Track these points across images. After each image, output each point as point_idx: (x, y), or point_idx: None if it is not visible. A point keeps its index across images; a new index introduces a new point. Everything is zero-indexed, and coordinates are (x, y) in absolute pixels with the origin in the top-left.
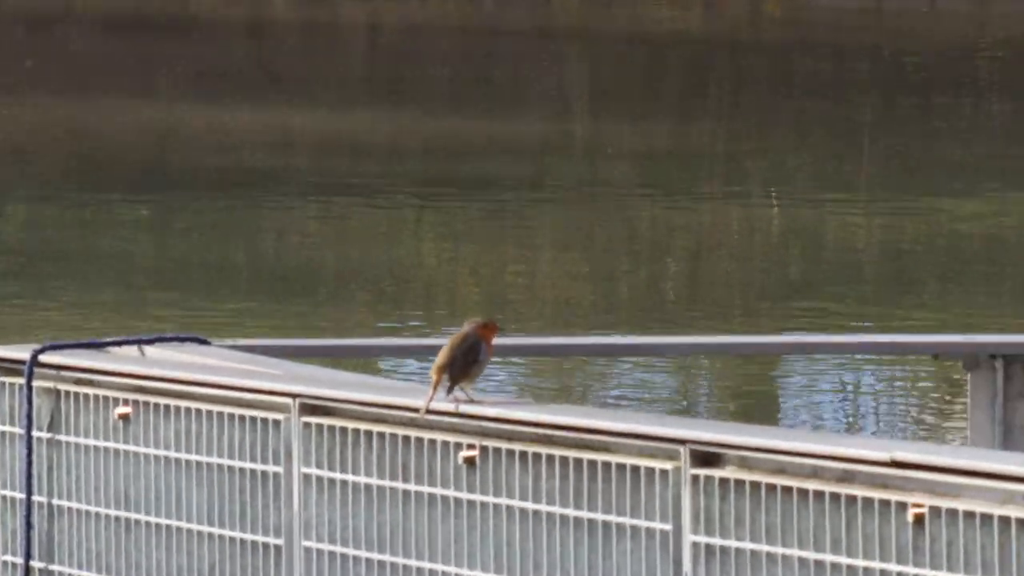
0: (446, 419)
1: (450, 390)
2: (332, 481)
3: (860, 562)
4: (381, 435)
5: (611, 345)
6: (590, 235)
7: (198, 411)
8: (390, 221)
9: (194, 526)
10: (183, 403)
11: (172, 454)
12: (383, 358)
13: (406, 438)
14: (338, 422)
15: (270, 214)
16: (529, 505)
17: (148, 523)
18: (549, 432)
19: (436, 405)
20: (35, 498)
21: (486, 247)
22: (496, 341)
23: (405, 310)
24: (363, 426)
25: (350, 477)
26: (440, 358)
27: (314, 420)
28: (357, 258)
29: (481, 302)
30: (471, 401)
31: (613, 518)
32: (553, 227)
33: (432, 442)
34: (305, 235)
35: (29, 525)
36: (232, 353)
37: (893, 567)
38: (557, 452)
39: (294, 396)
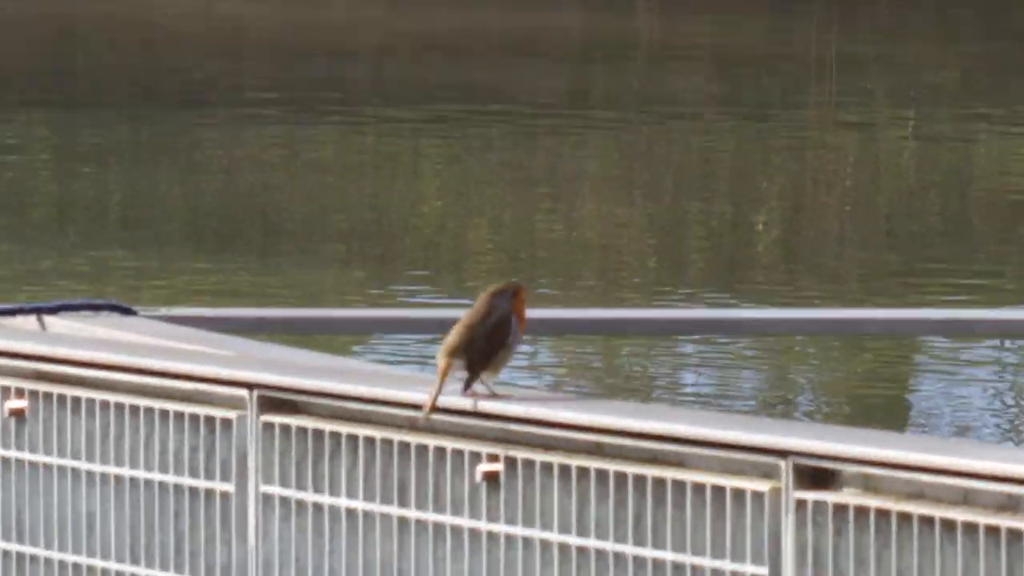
0: (459, 420)
1: (468, 383)
2: (301, 504)
3: None
4: (369, 441)
5: (681, 320)
6: (651, 171)
7: (118, 406)
8: (379, 149)
9: (111, 565)
10: (97, 395)
11: (82, 465)
12: (372, 336)
13: (404, 446)
14: (310, 423)
15: (213, 136)
16: (571, 540)
17: (48, 560)
18: (599, 439)
19: (446, 401)
20: None
21: (511, 186)
22: (529, 315)
23: (402, 271)
24: (344, 428)
25: (326, 499)
26: (453, 338)
27: (277, 419)
28: (334, 199)
29: (504, 261)
30: (493, 396)
31: (687, 558)
32: (602, 160)
33: (440, 452)
34: (262, 167)
35: None
36: (165, 327)
37: None
38: (610, 466)
39: (250, 386)
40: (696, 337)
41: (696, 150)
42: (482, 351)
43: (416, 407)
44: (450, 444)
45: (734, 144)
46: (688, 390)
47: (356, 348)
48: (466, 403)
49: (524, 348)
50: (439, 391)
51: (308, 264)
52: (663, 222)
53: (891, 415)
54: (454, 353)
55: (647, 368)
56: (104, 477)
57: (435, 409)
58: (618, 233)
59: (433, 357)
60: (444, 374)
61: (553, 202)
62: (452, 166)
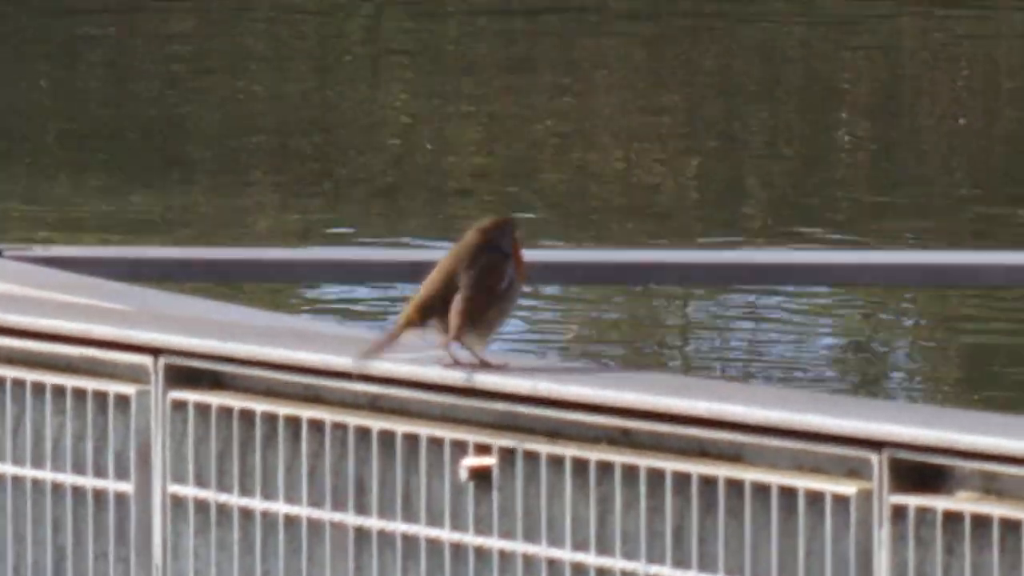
0: (438, 399)
1: (446, 343)
2: (224, 510)
3: None
4: (316, 426)
5: (734, 266)
6: (689, 69)
7: None
8: (327, 31)
9: None
10: None
11: None
12: (319, 286)
13: (362, 433)
14: (236, 401)
15: (103, 24)
16: (589, 559)
17: None
18: (626, 423)
19: (416, 371)
20: None
21: (508, 95)
22: (531, 257)
23: (361, 198)
24: (282, 409)
25: (257, 503)
26: (427, 287)
27: (192, 396)
28: (271, 97)
29: (500, 192)
30: (484, 366)
31: None
32: (625, 59)
33: (411, 441)
34: (170, 59)
35: None
36: (39, 272)
37: None
38: (641, 461)
39: (155, 352)
40: (754, 288)
41: (742, 47)
42: (474, 302)
43: (380, 379)
44: (425, 430)
45: (799, 40)
46: (734, 356)
47: (296, 301)
48: (449, 375)
49: (523, 302)
50: (385, 344)
51: (231, 188)
52: (714, 129)
53: (1019, 396)
54: (426, 308)
55: (690, 331)
56: None
57: (375, 355)
58: (648, 154)
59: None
60: (404, 326)
61: (559, 115)
62: (425, 63)
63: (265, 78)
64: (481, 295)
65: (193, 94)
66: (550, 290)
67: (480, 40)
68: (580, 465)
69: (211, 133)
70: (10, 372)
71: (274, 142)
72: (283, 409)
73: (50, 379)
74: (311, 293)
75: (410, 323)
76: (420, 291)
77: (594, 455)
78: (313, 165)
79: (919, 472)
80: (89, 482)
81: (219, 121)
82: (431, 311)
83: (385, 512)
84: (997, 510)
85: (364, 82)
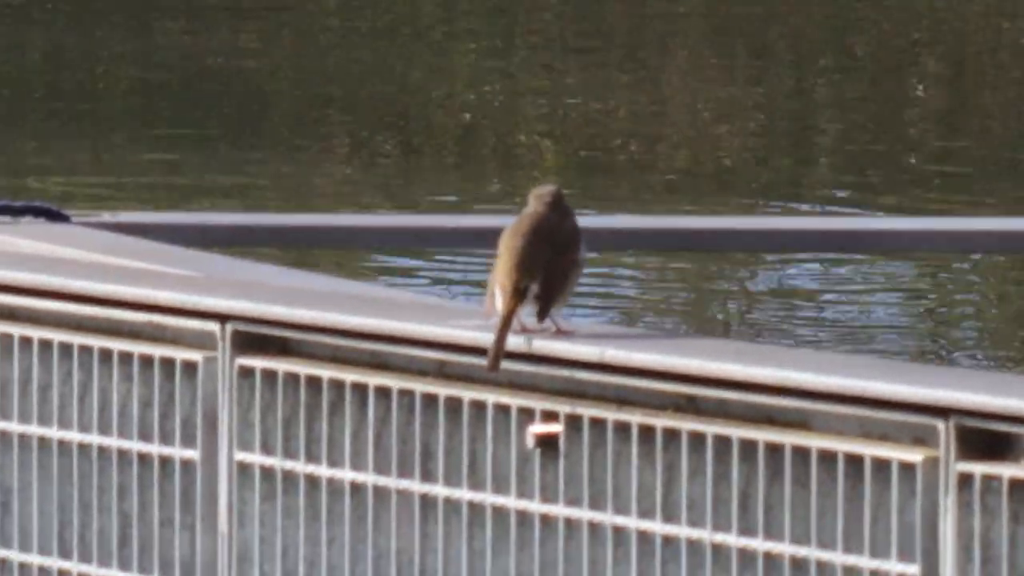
0: (505, 364)
1: (542, 314)
2: (290, 477)
3: None
4: (383, 393)
5: (794, 233)
6: (754, 34)
7: (44, 344)
8: (391, 7)
9: (33, 559)
10: (16, 329)
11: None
12: (385, 251)
13: (429, 400)
14: (303, 367)
15: None
16: (655, 526)
17: None
18: (692, 390)
19: (511, 341)
20: None
21: (568, 63)
22: (596, 225)
23: (428, 164)
24: (349, 375)
25: (323, 471)
26: (522, 252)
27: (259, 363)
28: (336, 68)
29: (560, 155)
30: (559, 333)
31: (811, 552)
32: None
33: (478, 408)
34: (235, 24)
35: None
36: (107, 237)
37: None
38: (707, 428)
39: (223, 318)
40: (820, 256)
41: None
42: (559, 272)
43: (447, 346)
44: (492, 397)
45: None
46: (808, 327)
47: (364, 267)
48: (516, 342)
49: (587, 269)
50: (507, 326)
51: (300, 156)
52: (775, 97)
53: None
54: (529, 273)
55: (756, 297)
56: (24, 440)
57: (503, 356)
58: (712, 120)
59: (474, 279)
60: (515, 303)
61: (625, 83)
62: (484, 31)
63: (337, 45)
64: (569, 266)
65: (265, 56)
66: (612, 255)
67: (549, 13)
68: (646, 432)
69: (283, 97)
70: (77, 338)
71: (345, 108)
72: (350, 376)
73: (117, 345)
74: (378, 259)
75: (513, 308)
76: (516, 253)
77: (660, 422)
78: (384, 133)
79: (986, 439)
80: (156, 449)
81: (290, 87)
82: (533, 275)
83: (451, 479)
84: None
85: (434, 52)
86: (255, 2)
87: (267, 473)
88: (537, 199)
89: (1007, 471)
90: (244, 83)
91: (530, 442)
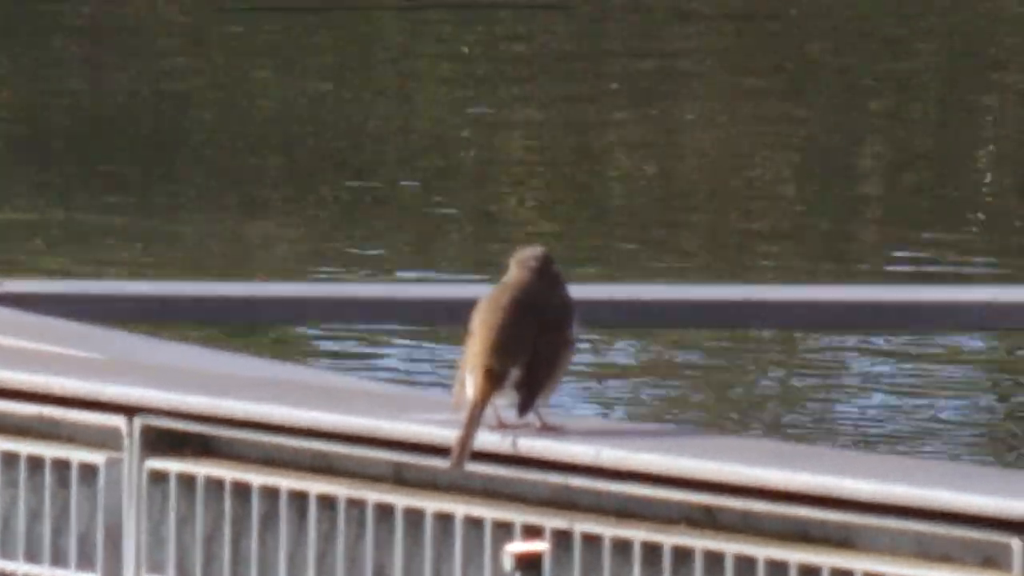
0: (478, 468)
1: (525, 407)
2: None
3: None
4: (327, 503)
5: (836, 305)
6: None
7: None
8: (345, 30)
9: None
10: None
11: None
12: (331, 326)
13: (383, 511)
14: (228, 471)
15: (79, 12)
16: None
17: None
18: (710, 499)
19: (486, 440)
20: None
21: (548, 100)
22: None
23: (380, 223)
24: (285, 481)
25: None
26: (488, 333)
27: (174, 466)
28: (274, 102)
29: (545, 214)
30: (545, 430)
31: None
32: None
33: (444, 522)
34: (157, 54)
35: None
36: None
37: None
38: (728, 547)
39: (130, 411)
40: (871, 333)
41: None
42: (547, 358)
43: (406, 445)
44: (461, 508)
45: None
46: (854, 422)
47: (306, 348)
48: (493, 441)
49: (582, 345)
50: (477, 417)
51: (228, 211)
52: (796, 140)
53: None
54: (509, 355)
55: (788, 385)
56: None
57: (470, 453)
58: (723, 163)
59: (443, 362)
60: (489, 390)
61: (614, 123)
62: (452, 62)
63: (273, 81)
64: (559, 347)
65: (184, 96)
66: (611, 332)
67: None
68: (652, 552)
69: (205, 142)
70: None
71: (283, 156)
72: (286, 481)
73: (2, 446)
74: (322, 338)
75: (487, 397)
76: (489, 335)
77: (669, 539)
78: (329, 183)
79: None
80: (46, 572)
81: (215, 128)
82: (511, 361)
83: None
84: None
85: (393, 86)
86: (178, 30)
87: None
88: (520, 264)
89: None
90: (160, 121)
91: (508, 564)
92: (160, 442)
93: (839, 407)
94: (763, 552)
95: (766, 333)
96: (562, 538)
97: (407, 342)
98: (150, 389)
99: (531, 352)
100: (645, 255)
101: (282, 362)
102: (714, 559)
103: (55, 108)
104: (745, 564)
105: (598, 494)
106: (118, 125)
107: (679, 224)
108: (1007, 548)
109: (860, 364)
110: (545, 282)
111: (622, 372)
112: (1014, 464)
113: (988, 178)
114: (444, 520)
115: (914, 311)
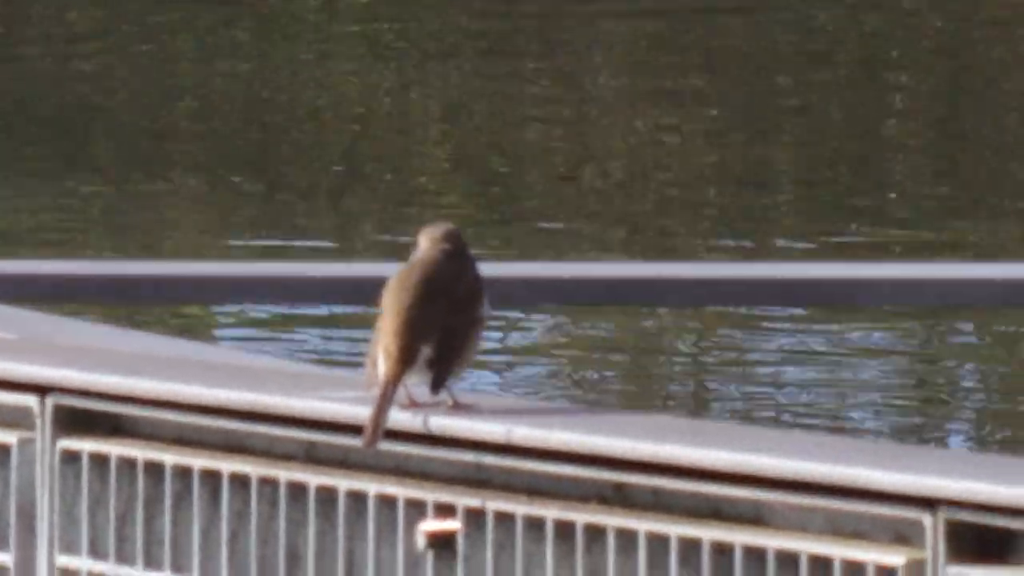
0: (394, 448)
1: (437, 384)
2: None
3: None
4: (240, 482)
5: (753, 282)
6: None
7: None
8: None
9: None
10: None
11: None
12: (242, 306)
13: (296, 490)
14: (140, 450)
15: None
16: None
17: None
18: (620, 477)
19: (398, 418)
20: None
21: (475, 74)
22: (504, 272)
23: (292, 200)
24: (198, 460)
25: None
26: (399, 312)
27: (86, 445)
28: (186, 86)
29: (464, 182)
30: (456, 408)
31: None
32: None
33: (357, 500)
34: (77, 38)
35: None
36: None
37: None
38: (639, 524)
39: (42, 390)
40: (784, 310)
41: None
42: (459, 335)
43: (318, 423)
44: (374, 487)
45: None
46: (767, 399)
47: (217, 328)
48: (405, 419)
49: (494, 324)
50: (390, 396)
51: (139, 189)
52: (740, 125)
53: None
54: (420, 334)
55: (702, 362)
56: None
57: (383, 432)
58: (652, 130)
59: (354, 340)
60: (401, 369)
61: (540, 97)
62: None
63: (187, 53)
64: (470, 325)
65: (97, 71)
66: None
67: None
68: (564, 529)
69: (118, 118)
70: None
71: (197, 130)
72: (199, 461)
73: None
74: (234, 317)
75: (399, 375)
76: (394, 329)
77: (581, 517)
78: (244, 160)
79: (981, 537)
80: None
81: (127, 103)
82: (416, 353)
83: None
84: None
85: (313, 60)
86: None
87: None
88: (430, 241)
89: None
90: (73, 105)
91: (421, 542)
92: (72, 422)
93: (754, 385)
94: (675, 530)
95: (682, 310)
96: (475, 516)
97: (319, 322)
98: (62, 368)
99: (441, 330)
100: (558, 233)
101: (194, 341)
102: (627, 537)
103: None
104: (658, 542)
105: (510, 472)
106: (30, 104)
107: (593, 202)
108: (918, 524)
109: (776, 340)
110: (455, 259)
111: (534, 350)
112: (929, 440)
113: (900, 156)
114: (357, 499)
115: (829, 286)
